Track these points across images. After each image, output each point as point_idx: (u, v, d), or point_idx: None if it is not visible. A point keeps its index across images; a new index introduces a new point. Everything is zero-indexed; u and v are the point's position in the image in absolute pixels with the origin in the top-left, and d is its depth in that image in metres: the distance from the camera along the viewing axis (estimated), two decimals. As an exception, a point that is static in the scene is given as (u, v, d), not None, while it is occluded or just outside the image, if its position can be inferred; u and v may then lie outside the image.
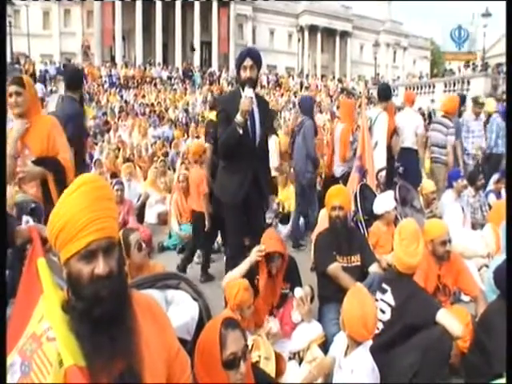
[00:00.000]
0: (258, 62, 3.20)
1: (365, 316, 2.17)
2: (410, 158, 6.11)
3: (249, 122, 3.16)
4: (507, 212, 2.86)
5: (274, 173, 5.15)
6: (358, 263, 3.25)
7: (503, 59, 29.65)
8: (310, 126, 5.18)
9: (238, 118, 3.05)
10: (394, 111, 6.47)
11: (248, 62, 3.14)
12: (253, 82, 3.16)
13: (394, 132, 5.86)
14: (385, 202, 3.99)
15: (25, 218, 1.70)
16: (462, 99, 6.88)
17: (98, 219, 1.24)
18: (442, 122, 6.18)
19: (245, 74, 3.15)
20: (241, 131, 3.08)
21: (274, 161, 5.11)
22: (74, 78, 4.21)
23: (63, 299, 1.28)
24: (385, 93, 5.82)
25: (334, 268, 3.11)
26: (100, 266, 1.22)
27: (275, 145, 5.08)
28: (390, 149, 5.73)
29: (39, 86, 19.67)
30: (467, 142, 6.93)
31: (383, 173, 5.21)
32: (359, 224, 4.18)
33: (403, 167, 5.99)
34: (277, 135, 6.45)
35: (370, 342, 2.26)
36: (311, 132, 5.15)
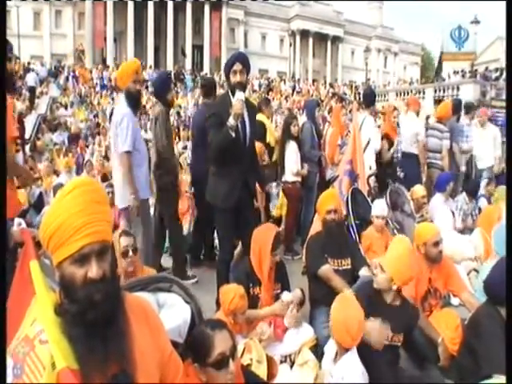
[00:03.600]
0: (246, 66, 3.23)
1: (347, 322, 2.17)
2: (411, 163, 6.16)
3: (239, 126, 3.18)
4: (507, 212, 2.91)
5: (294, 178, 5.10)
6: (349, 267, 3.28)
7: (492, 66, 30.10)
8: (305, 128, 5.28)
9: (231, 121, 3.07)
10: (394, 118, 6.54)
11: (237, 66, 3.17)
12: (243, 86, 3.20)
13: (382, 138, 5.91)
14: (376, 208, 4.03)
15: (17, 220, 1.68)
16: (459, 104, 6.94)
17: (91, 223, 1.23)
18: (436, 127, 6.25)
19: (235, 79, 3.18)
20: (233, 134, 3.10)
21: (294, 166, 5.06)
22: (207, 86, 4.85)
23: (56, 302, 1.26)
24: (368, 98, 5.90)
25: (326, 270, 3.14)
26: (93, 270, 1.21)
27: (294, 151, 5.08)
28: (380, 155, 5.79)
29: (32, 75, 19.69)
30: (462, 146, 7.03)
31: (373, 177, 5.26)
32: (350, 228, 4.21)
33: (404, 172, 6.03)
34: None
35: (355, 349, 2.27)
36: (306, 134, 5.23)
